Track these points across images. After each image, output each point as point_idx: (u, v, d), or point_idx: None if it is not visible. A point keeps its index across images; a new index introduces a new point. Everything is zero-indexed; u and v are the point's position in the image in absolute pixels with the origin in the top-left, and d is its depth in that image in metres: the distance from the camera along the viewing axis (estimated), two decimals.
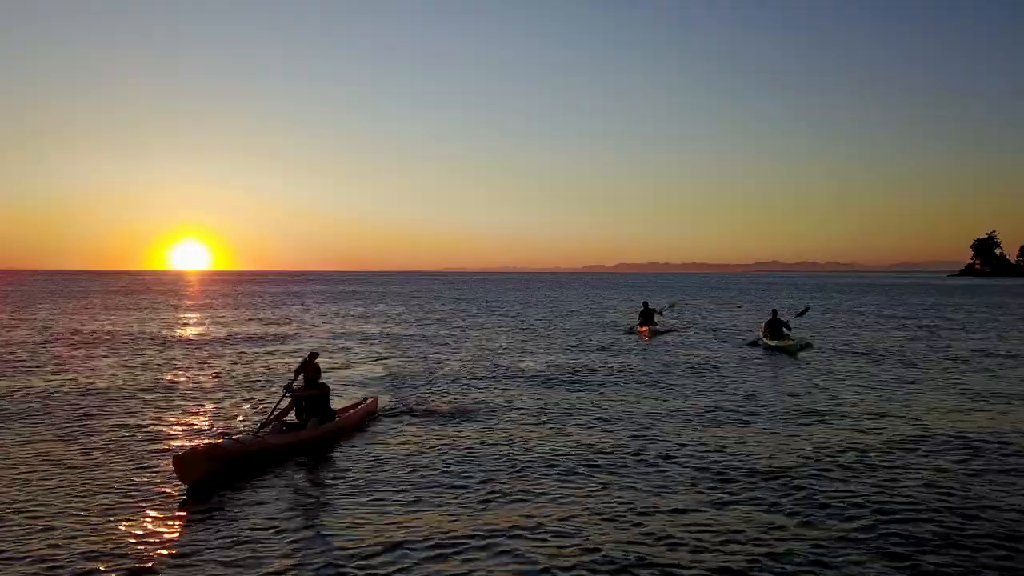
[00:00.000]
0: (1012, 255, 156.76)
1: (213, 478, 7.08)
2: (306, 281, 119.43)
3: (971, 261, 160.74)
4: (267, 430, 8.53)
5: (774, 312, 21.28)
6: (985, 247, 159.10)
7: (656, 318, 24.77)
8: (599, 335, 24.17)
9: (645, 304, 25.36)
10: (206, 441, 7.88)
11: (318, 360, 9.51)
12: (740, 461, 7.78)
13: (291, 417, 9.10)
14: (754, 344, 20.67)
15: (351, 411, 10.23)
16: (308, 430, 8.79)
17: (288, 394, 8.93)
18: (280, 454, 8.12)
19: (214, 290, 73.27)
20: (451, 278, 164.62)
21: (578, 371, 15.16)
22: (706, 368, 15.73)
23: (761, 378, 14.36)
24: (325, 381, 9.63)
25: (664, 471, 7.40)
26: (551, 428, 9.62)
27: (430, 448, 8.54)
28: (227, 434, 8.75)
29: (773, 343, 19.68)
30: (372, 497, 6.65)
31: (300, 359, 9.84)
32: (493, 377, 14.47)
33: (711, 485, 6.91)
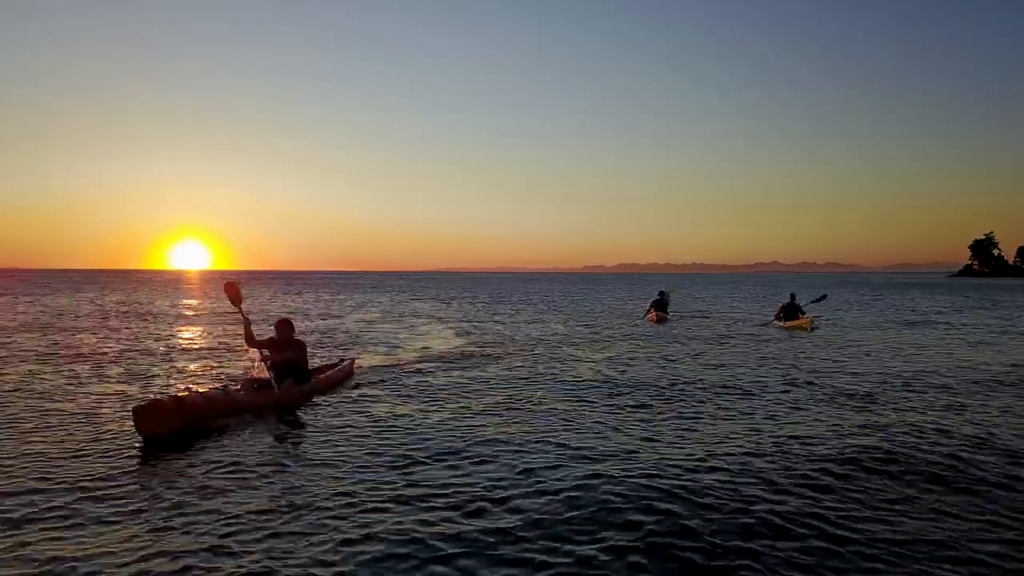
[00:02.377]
0: (1010, 256, 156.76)
1: (176, 433, 6.75)
2: (310, 280, 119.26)
3: (970, 262, 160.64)
4: (238, 387, 8.31)
5: (792, 296, 21.37)
6: (983, 248, 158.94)
7: (669, 309, 24.42)
8: (605, 320, 23.98)
9: (661, 293, 25.08)
10: (170, 394, 7.56)
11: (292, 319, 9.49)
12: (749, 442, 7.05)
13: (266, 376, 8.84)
14: (766, 325, 20.92)
15: (329, 372, 9.98)
16: (283, 390, 8.50)
17: (263, 362, 8.70)
18: (251, 412, 7.80)
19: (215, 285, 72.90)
20: (452, 277, 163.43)
21: (581, 350, 14.71)
22: (717, 347, 15.36)
23: (775, 355, 14.01)
24: (302, 339, 9.49)
25: (668, 451, 6.60)
26: (546, 408, 8.64)
27: (407, 416, 8.01)
28: (194, 389, 8.52)
29: (789, 324, 19.88)
30: (340, 461, 6.19)
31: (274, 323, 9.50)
32: (490, 355, 13.86)
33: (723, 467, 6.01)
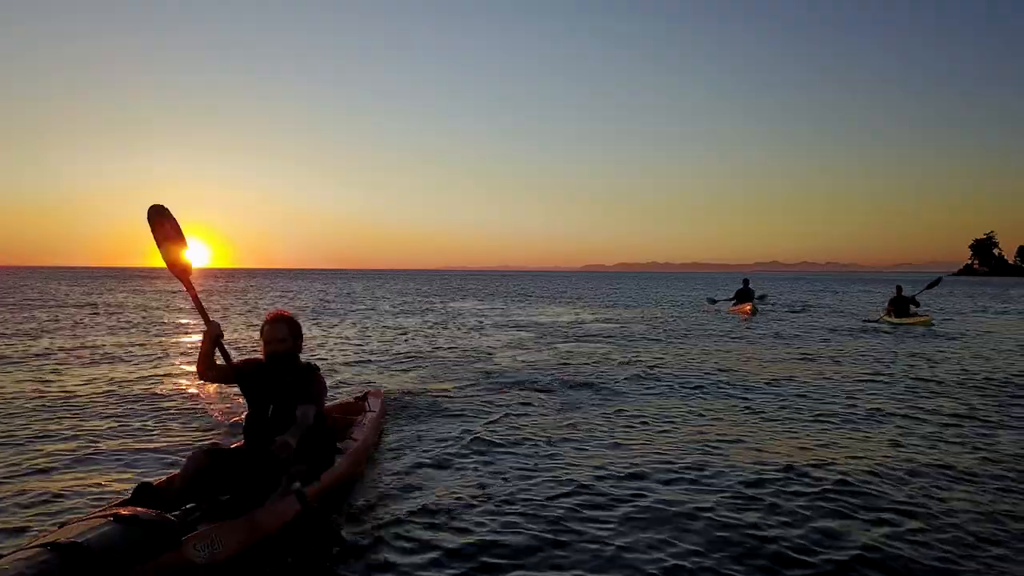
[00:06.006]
0: (1010, 255, 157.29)
1: None
2: (314, 278, 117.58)
3: (969, 261, 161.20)
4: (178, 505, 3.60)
5: (898, 288, 20.00)
6: (983, 247, 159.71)
7: (755, 300, 23.71)
8: (681, 316, 22.49)
9: (745, 282, 24.69)
10: None
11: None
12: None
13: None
14: (875, 322, 19.46)
15: (353, 431, 5.27)
16: (268, 511, 3.60)
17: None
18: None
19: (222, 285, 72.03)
20: (453, 276, 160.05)
21: (673, 353, 12.41)
22: (830, 346, 13.71)
23: (896, 354, 12.37)
24: (310, 361, 4.32)
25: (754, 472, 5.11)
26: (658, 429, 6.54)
27: (482, 469, 5.16)
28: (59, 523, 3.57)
29: (900, 320, 18.73)
30: None
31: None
32: (565, 364, 10.97)
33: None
